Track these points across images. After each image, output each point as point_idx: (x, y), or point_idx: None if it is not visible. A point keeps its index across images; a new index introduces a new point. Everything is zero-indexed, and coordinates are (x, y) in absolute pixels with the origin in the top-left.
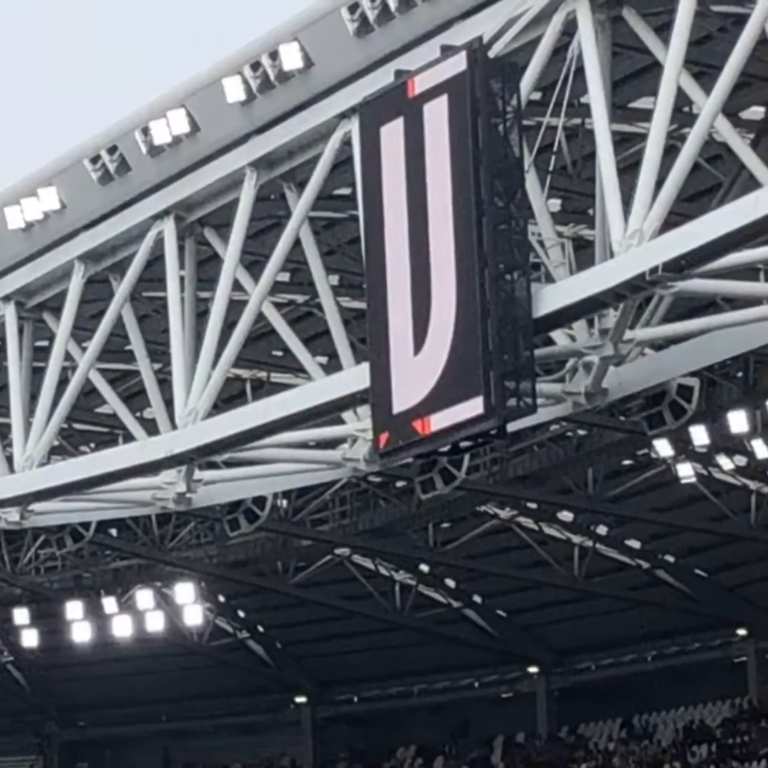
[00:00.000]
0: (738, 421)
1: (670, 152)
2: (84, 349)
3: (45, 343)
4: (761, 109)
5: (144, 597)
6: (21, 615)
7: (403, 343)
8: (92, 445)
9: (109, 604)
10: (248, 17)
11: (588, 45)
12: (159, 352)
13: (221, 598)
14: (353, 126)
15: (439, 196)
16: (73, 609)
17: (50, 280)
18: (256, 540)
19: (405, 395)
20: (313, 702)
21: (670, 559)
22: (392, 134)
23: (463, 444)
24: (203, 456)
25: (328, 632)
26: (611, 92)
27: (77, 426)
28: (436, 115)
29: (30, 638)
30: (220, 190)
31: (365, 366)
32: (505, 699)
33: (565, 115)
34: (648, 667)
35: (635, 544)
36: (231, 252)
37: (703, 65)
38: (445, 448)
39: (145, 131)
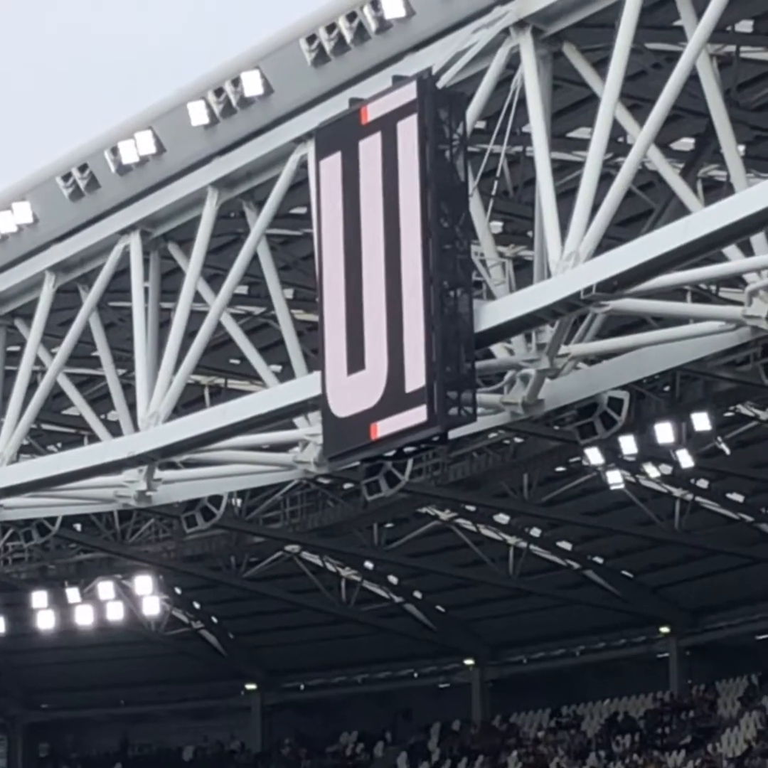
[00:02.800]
0: (664, 432)
1: (605, 179)
2: (53, 355)
3: (17, 349)
4: (691, 141)
5: (105, 588)
6: None
7: (355, 352)
8: (59, 444)
9: (73, 594)
10: (213, 45)
11: (530, 78)
12: (124, 358)
13: (178, 591)
14: (309, 149)
15: (389, 216)
16: (39, 598)
17: (22, 289)
18: (211, 536)
19: (354, 402)
20: (262, 689)
21: (599, 560)
22: (346, 158)
23: (408, 449)
24: (163, 457)
25: (278, 624)
26: (551, 122)
27: (45, 426)
28: (387, 141)
29: None
30: (184, 208)
31: (317, 374)
32: (443, 689)
33: (507, 142)
34: (576, 661)
35: (566, 545)
36: (193, 266)
37: (637, 99)
38: (390, 453)
39: (114, 151)
